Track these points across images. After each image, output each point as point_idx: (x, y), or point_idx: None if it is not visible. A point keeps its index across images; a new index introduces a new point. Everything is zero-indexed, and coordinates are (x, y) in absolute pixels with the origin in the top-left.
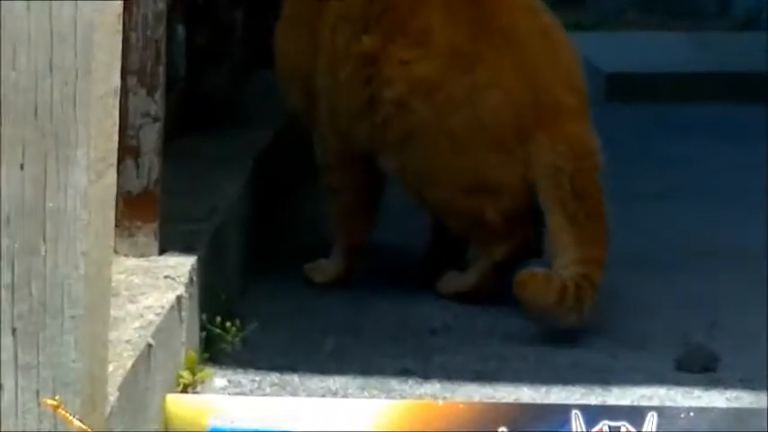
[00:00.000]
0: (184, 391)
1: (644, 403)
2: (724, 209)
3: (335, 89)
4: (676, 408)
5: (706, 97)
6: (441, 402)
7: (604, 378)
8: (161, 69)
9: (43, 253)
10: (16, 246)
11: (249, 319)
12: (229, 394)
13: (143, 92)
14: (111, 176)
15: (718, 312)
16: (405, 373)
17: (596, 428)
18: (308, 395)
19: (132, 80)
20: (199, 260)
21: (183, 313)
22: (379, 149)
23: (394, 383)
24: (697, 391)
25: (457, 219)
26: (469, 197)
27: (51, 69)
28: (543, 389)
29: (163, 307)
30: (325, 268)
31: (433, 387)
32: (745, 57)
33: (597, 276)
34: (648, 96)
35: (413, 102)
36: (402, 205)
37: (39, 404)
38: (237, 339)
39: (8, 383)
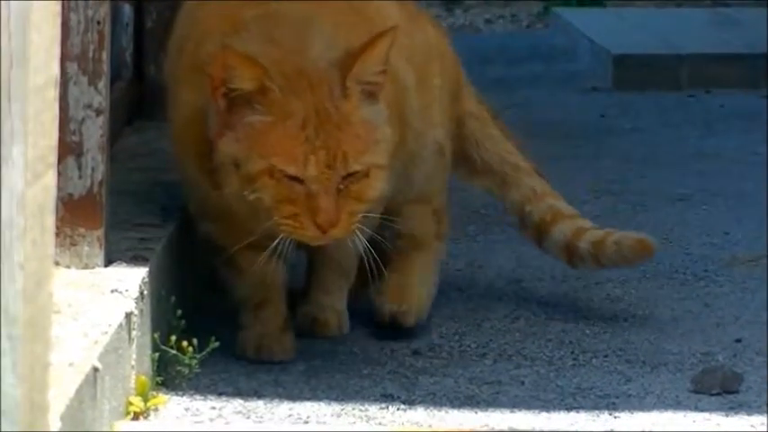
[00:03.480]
0: (135, 419)
1: (657, 431)
2: (758, 212)
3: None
4: None
5: (728, 83)
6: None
7: (612, 403)
8: (105, 55)
9: None
10: None
11: (208, 337)
12: (186, 423)
13: (85, 81)
14: (51, 178)
15: (745, 328)
16: (386, 398)
17: None
18: (277, 423)
19: (73, 67)
20: (150, 272)
21: (134, 332)
22: None
23: (374, 410)
24: (716, 417)
25: None
26: None
27: None
28: (543, 415)
29: (110, 325)
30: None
31: (418, 414)
32: None
33: None
34: (665, 83)
35: None
36: None
37: None
38: (195, 361)
39: None
